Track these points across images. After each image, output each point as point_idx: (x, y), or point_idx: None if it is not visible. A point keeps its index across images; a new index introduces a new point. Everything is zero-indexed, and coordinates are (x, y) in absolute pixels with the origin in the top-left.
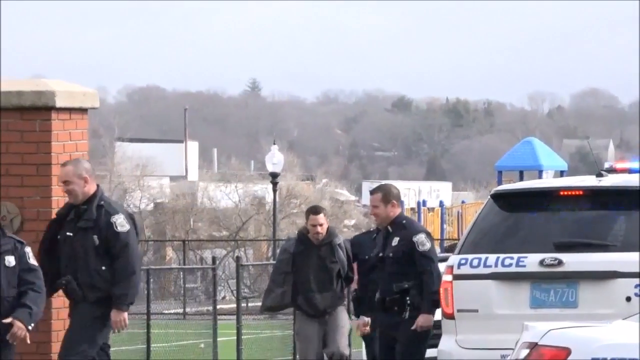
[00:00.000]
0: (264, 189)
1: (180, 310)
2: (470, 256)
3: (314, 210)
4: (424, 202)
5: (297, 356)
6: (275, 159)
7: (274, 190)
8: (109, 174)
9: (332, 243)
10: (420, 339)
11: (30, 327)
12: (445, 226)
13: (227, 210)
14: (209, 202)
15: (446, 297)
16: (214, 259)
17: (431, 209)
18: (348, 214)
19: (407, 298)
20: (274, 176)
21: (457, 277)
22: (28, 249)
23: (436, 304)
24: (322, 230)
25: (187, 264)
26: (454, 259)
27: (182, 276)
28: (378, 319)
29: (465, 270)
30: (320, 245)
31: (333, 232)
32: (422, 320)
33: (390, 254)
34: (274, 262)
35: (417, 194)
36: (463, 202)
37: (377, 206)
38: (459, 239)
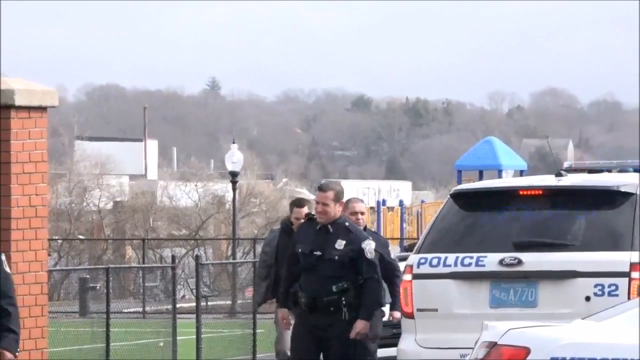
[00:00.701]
0: (224, 188)
1: (140, 309)
2: (429, 255)
3: (299, 203)
4: (384, 202)
5: (275, 346)
6: (234, 157)
7: (234, 189)
8: (68, 172)
9: None
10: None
11: (17, 354)
12: (405, 225)
13: (187, 209)
14: (168, 201)
15: (406, 297)
16: (173, 258)
17: (391, 208)
18: None
19: (343, 298)
20: (233, 175)
21: (416, 277)
22: (2, 256)
23: (374, 312)
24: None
25: (146, 263)
26: (413, 258)
27: (141, 275)
28: (303, 319)
29: (425, 269)
30: None
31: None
32: (360, 326)
33: (336, 257)
34: (234, 261)
35: (376, 193)
36: (423, 201)
37: (328, 204)
38: (418, 239)
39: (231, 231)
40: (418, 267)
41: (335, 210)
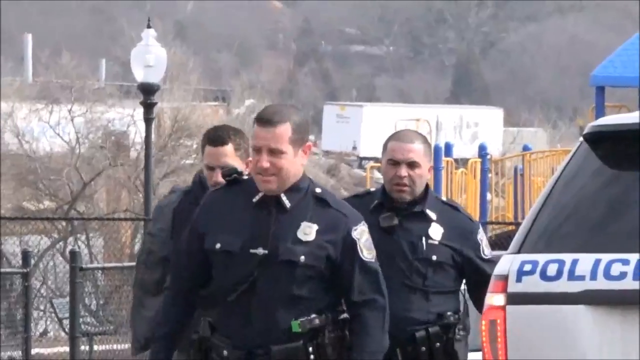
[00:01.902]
0: (127, 118)
1: None
2: (541, 257)
3: (215, 137)
4: (449, 148)
5: None
6: (150, 57)
7: (148, 121)
8: None
9: None
10: None
11: None
12: (489, 196)
13: (53, 160)
14: (15, 143)
15: (493, 338)
16: (25, 256)
17: (462, 161)
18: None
19: (311, 348)
20: (147, 92)
21: (515, 300)
22: None
23: None
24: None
25: None
26: (508, 262)
27: None
28: None
29: (532, 285)
30: None
31: None
32: None
33: (301, 258)
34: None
35: (433, 129)
36: (527, 148)
37: (281, 153)
38: (518, 223)
39: (142, 204)
40: (519, 280)
41: (296, 165)
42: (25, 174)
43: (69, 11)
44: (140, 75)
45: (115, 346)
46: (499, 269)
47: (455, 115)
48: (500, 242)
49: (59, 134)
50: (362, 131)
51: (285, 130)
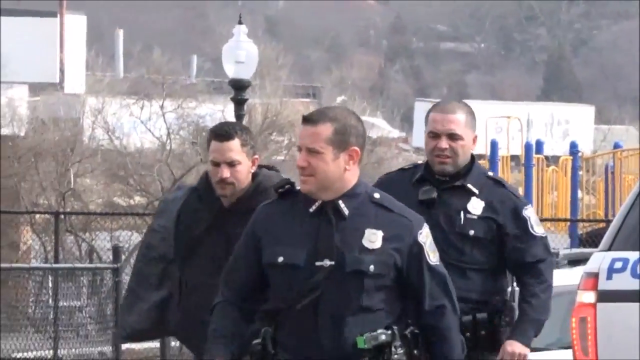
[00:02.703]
0: (218, 114)
1: (48, 354)
2: (632, 255)
3: (221, 132)
4: (540, 145)
5: None
6: (241, 53)
7: (239, 117)
8: None
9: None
10: None
11: None
12: (580, 194)
13: (144, 155)
14: (106, 138)
15: (583, 335)
16: (116, 252)
17: (553, 159)
18: (387, 163)
19: None
20: (238, 87)
21: (605, 297)
22: None
23: None
24: (231, 175)
25: (61, 261)
26: (599, 259)
27: (50, 284)
28: None
29: (623, 282)
30: (232, 208)
31: (265, 186)
32: None
33: (370, 268)
34: None
35: (524, 127)
36: (618, 145)
37: (321, 154)
38: (608, 221)
39: None
40: (610, 277)
41: (337, 168)
42: (115, 170)
43: (160, 7)
44: (231, 71)
45: None
46: (589, 267)
47: (546, 113)
48: (591, 240)
49: (150, 130)
50: None
51: (324, 130)
